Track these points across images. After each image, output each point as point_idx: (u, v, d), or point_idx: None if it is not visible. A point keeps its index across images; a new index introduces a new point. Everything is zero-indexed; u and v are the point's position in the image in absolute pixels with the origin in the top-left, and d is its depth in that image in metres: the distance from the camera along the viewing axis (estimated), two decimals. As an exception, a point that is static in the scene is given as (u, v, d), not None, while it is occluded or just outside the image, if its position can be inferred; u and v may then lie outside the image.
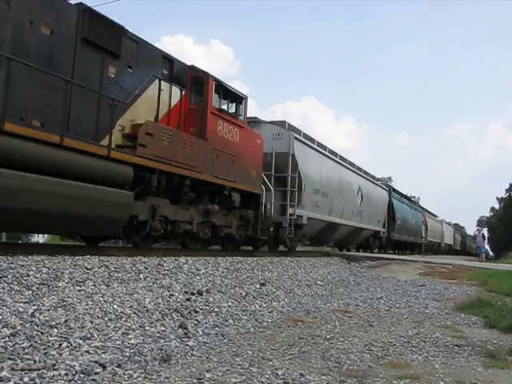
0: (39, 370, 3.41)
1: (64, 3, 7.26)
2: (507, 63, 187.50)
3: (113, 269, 6.33)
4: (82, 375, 3.46)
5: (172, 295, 6.04)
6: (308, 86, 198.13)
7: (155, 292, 5.99)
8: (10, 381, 3.17)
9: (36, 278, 5.13)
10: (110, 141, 7.34)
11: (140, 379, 3.60)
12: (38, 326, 4.10)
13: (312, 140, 15.91)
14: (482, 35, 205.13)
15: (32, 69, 6.39)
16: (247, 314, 6.33)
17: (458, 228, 67.34)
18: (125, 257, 7.16)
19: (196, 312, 5.74)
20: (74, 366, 3.57)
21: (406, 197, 33.97)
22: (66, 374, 3.42)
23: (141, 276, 6.45)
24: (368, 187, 21.19)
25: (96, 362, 3.73)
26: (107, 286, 5.69)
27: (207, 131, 9.74)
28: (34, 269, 5.35)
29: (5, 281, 4.82)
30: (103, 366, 3.68)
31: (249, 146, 11.42)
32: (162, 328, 4.98)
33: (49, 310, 4.46)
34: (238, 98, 11.07)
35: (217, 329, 5.43)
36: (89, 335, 4.23)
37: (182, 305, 5.80)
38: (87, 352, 3.92)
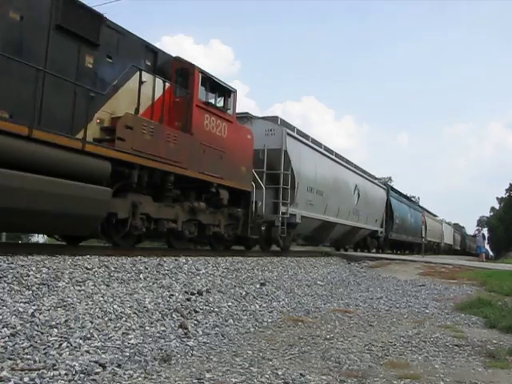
0: (39, 370, 3.41)
1: None
2: (507, 63, 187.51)
3: (113, 269, 6.34)
4: (82, 375, 3.46)
5: (172, 295, 6.05)
6: (308, 85, 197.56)
7: (155, 292, 5.99)
8: (9, 381, 3.17)
9: (36, 278, 5.14)
10: (85, 134, 6.95)
11: (140, 379, 3.60)
12: (38, 325, 4.11)
13: (306, 137, 15.57)
14: (482, 35, 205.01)
15: None
16: (247, 314, 6.33)
17: (457, 228, 67.29)
18: (125, 257, 7.17)
19: (196, 312, 5.74)
20: (74, 365, 3.57)
21: (404, 196, 33.83)
22: (66, 374, 3.42)
23: (141, 276, 6.46)
24: (365, 186, 20.86)
25: (96, 361, 3.73)
26: (107, 286, 5.69)
27: (193, 125, 9.27)
28: (33, 269, 5.36)
29: (5, 281, 4.83)
30: (103, 366, 3.68)
31: (238, 142, 10.92)
32: (162, 328, 4.98)
33: (49, 310, 4.46)
34: (226, 92, 10.58)
35: (217, 329, 5.43)
36: (89, 335, 4.23)
37: (182, 305, 5.80)
38: (87, 352, 3.92)
